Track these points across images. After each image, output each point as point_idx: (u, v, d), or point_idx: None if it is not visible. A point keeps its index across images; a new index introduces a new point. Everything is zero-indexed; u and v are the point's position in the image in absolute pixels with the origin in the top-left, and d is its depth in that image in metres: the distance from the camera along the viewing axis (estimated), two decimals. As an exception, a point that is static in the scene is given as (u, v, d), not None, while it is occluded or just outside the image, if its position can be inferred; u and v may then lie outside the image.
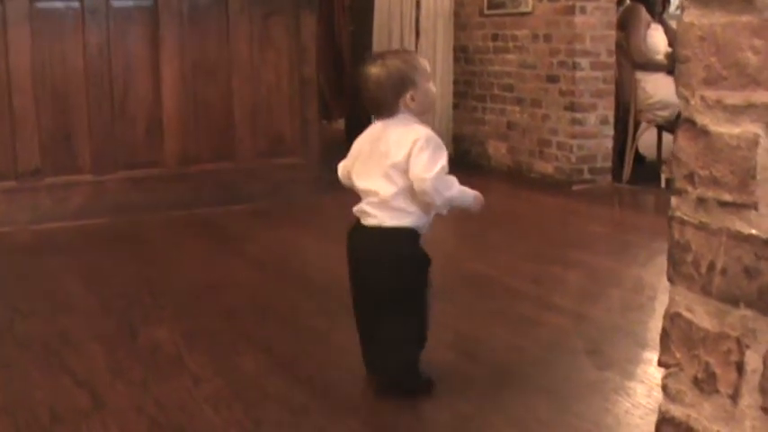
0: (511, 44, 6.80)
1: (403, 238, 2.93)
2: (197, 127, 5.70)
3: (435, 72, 7.50)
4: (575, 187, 6.25)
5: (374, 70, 2.90)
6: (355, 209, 2.99)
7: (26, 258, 4.74)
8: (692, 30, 1.45)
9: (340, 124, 9.01)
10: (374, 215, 2.92)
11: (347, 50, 8.85)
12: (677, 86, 1.49)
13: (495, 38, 6.95)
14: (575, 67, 6.32)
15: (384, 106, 2.89)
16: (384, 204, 2.90)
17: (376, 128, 2.94)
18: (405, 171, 2.84)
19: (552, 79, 6.48)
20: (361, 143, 2.99)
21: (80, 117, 5.52)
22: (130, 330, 3.66)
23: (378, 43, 8.40)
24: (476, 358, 3.34)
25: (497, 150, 6.94)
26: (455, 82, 7.45)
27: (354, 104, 8.60)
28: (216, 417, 2.87)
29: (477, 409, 2.90)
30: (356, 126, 8.53)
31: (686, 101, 1.47)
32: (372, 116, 2.96)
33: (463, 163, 6.18)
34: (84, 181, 5.54)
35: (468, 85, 7.17)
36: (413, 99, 2.88)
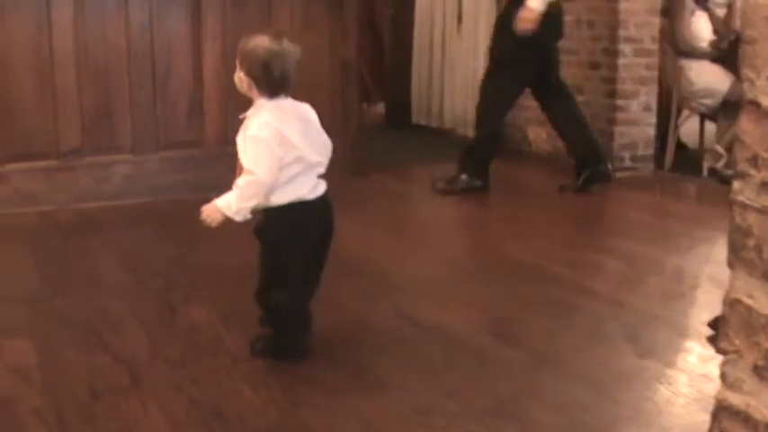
0: (553, 30, 6.75)
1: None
2: (237, 108, 5.63)
3: (477, 56, 7.48)
4: (616, 174, 6.21)
5: (293, 49, 3.02)
6: (311, 185, 3.06)
7: (66, 237, 4.76)
8: (759, 10, 1.42)
9: (378, 108, 8.99)
10: (322, 184, 3.10)
11: (387, 34, 8.83)
12: (742, 68, 1.45)
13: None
14: (617, 53, 6.26)
15: (292, 82, 3.04)
16: (322, 172, 3.10)
17: (291, 105, 3.07)
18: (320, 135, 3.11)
19: (594, 66, 6.43)
20: (290, 122, 3.01)
21: (121, 97, 5.53)
22: (169, 310, 3.67)
23: (419, 27, 8.38)
24: (514, 343, 3.32)
25: (538, 136, 6.89)
26: (496, 67, 7.39)
27: (395, 88, 8.59)
28: (254, 396, 2.88)
29: (516, 393, 2.89)
30: (397, 110, 8.55)
31: (751, 82, 1.44)
32: (277, 92, 3.02)
33: (503, 148, 6.14)
34: (125, 160, 5.56)
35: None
36: None
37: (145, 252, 4.54)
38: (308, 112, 3.11)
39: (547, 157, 6.72)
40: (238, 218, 2.99)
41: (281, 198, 3.01)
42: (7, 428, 2.73)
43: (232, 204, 2.97)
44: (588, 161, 5.72)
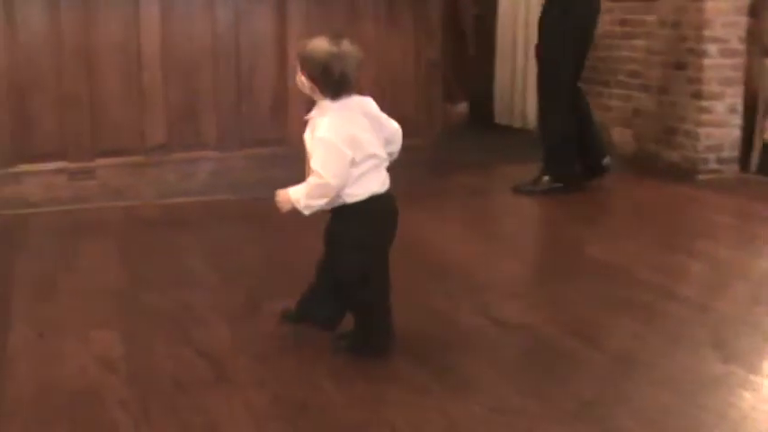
0: (638, 30, 6.68)
1: None
2: (321, 106, 5.72)
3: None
4: (701, 176, 6.12)
5: (352, 50, 3.04)
6: (381, 179, 3.09)
7: (152, 232, 4.83)
8: None
9: (461, 107, 8.97)
10: (387, 177, 3.13)
11: (470, 34, 8.81)
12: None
13: (623, 23, 6.83)
14: (703, 54, 6.18)
15: (354, 83, 3.06)
16: (386, 165, 3.14)
17: (357, 102, 3.08)
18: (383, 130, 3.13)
19: (680, 66, 6.35)
20: (358, 121, 3.04)
21: (206, 94, 5.60)
22: (253, 305, 3.70)
23: (502, 27, 8.35)
24: (598, 345, 3.30)
25: (622, 137, 6.83)
26: (580, 67, 7.34)
27: (478, 88, 8.57)
28: (337, 393, 2.89)
29: (599, 396, 2.87)
30: (480, 109, 8.52)
31: None
32: (339, 93, 3.03)
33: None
34: (210, 157, 5.62)
35: (595, 71, 7.05)
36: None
37: (229, 248, 4.59)
38: (371, 106, 3.13)
39: (632, 158, 6.65)
40: (306, 212, 3.05)
41: (354, 195, 3.04)
42: (93, 418, 2.77)
43: (301, 199, 3.03)
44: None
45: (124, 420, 2.74)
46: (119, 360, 3.19)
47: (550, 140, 5.78)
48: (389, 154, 3.14)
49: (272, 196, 3.12)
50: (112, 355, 3.23)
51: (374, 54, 5.80)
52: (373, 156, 3.03)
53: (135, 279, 4.09)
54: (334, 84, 3.01)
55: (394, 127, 3.16)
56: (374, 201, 3.06)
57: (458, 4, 8.75)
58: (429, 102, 5.98)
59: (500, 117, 8.36)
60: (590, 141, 5.85)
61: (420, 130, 5.92)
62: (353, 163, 2.99)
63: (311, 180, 3.00)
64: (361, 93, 5.75)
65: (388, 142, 3.13)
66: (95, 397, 2.90)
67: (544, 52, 5.74)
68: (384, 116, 3.14)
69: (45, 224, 5.12)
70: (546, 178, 5.66)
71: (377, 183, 3.06)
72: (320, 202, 3.02)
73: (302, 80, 3.07)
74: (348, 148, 2.97)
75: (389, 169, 3.14)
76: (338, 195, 3.02)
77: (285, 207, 3.08)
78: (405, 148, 5.58)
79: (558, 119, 5.73)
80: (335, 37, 3.04)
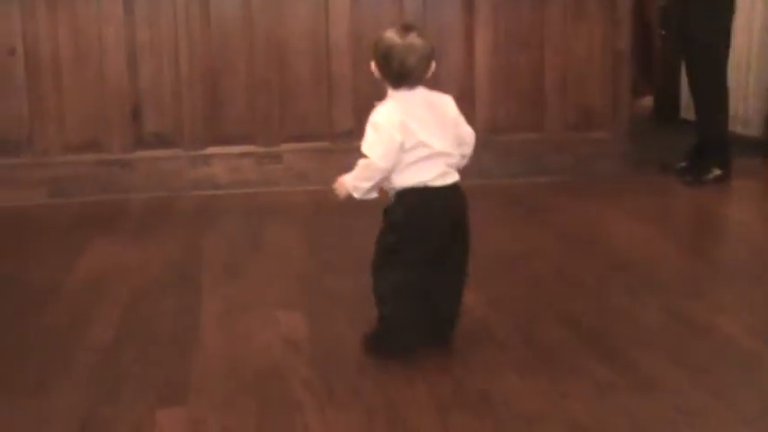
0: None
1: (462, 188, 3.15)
2: (507, 96, 5.71)
3: (751, 51, 7.20)
4: None
5: (417, 41, 3.03)
6: (437, 172, 3.03)
7: (336, 216, 4.88)
8: None
9: (646, 101, 8.79)
10: (452, 173, 3.08)
11: (656, 27, 8.64)
12: None
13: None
14: None
15: (416, 76, 3.04)
16: (456, 164, 3.11)
17: (421, 94, 3.08)
18: (455, 128, 3.12)
19: None
20: (413, 110, 3.03)
21: (394, 82, 5.64)
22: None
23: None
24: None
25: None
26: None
27: (664, 81, 8.40)
28: (521, 384, 2.87)
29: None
30: (665, 103, 8.34)
31: None
32: (399, 83, 3.05)
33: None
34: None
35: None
36: (432, 69, 3.10)
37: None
38: (439, 102, 3.12)
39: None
40: (356, 195, 3.11)
41: (402, 181, 3.04)
42: (279, 395, 2.84)
43: (350, 181, 3.09)
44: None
45: (309, 400, 2.79)
46: (303, 341, 3.26)
47: (714, 129, 5.71)
48: (462, 156, 3.14)
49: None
50: (297, 336, 3.30)
51: (560, 43, 5.76)
52: (424, 144, 3.00)
53: (319, 262, 4.16)
54: (395, 73, 3.02)
55: (468, 130, 3.18)
56: (423, 191, 3.03)
57: (644, -5, 8.58)
58: (616, 94, 5.87)
59: (686, 112, 8.16)
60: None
61: (605, 122, 5.84)
62: (403, 148, 2.99)
63: (360, 162, 3.05)
64: (544, 82, 5.76)
65: (460, 143, 3.12)
66: (281, 376, 2.97)
67: (703, 40, 5.61)
68: (461, 116, 3.15)
69: (232, 206, 5.25)
70: (716, 171, 5.57)
71: (430, 173, 3.02)
72: (367, 185, 3.06)
73: (372, 67, 3.10)
74: (398, 132, 2.97)
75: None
76: (388, 180, 3.05)
77: (341, 193, 3.15)
78: (590, 140, 5.57)
79: (720, 106, 5.68)
80: (404, 28, 3.06)
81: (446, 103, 3.13)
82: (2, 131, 5.40)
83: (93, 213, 5.15)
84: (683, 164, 5.73)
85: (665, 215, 5.14)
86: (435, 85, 5.50)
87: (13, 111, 5.39)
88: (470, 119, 5.45)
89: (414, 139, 2.99)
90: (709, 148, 5.64)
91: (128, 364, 3.09)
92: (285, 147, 5.58)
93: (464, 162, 3.17)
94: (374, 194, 3.11)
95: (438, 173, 3.03)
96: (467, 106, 5.56)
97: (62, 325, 3.47)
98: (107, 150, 5.50)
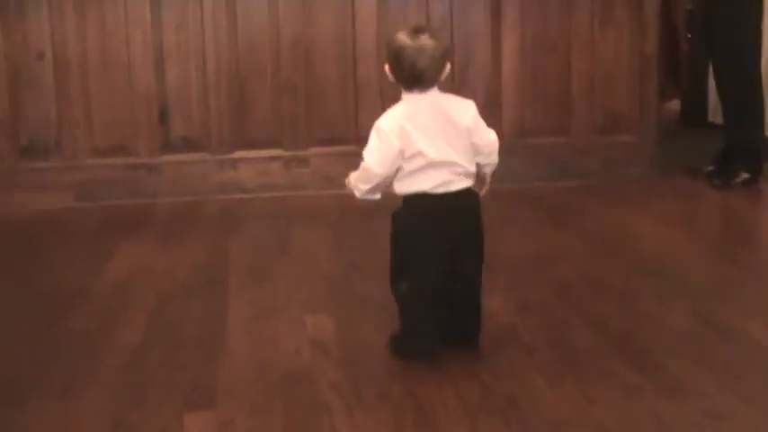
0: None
1: (475, 193, 3.10)
2: (534, 100, 5.71)
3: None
4: None
5: (428, 42, 2.98)
6: (438, 181, 3.01)
7: (364, 220, 4.88)
8: None
9: (673, 105, 8.76)
10: (458, 181, 3.03)
11: (683, 30, 8.61)
12: None
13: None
14: None
15: (428, 78, 2.99)
16: (467, 173, 3.04)
17: (432, 99, 3.02)
18: (470, 137, 3.04)
19: None
20: (418, 117, 2.99)
21: (420, 86, 5.64)
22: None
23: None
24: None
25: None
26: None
27: (691, 85, 8.36)
28: (547, 388, 2.87)
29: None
30: (692, 107, 8.30)
31: None
32: (410, 86, 3.01)
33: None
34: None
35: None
36: (447, 71, 3.04)
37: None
38: (454, 108, 3.06)
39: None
40: (357, 195, 3.12)
41: (402, 189, 3.05)
42: (307, 398, 2.84)
43: (353, 181, 3.11)
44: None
45: (337, 403, 2.79)
46: (332, 344, 3.26)
47: (741, 133, 5.65)
48: (481, 165, 3.12)
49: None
50: (326, 339, 3.30)
51: (587, 47, 5.75)
52: (422, 154, 2.97)
53: (347, 265, 4.16)
54: (406, 75, 2.99)
55: (487, 138, 3.12)
56: (425, 196, 3.02)
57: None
58: (643, 98, 5.86)
59: (713, 116, 8.12)
60: None
61: (633, 126, 5.83)
62: (403, 156, 2.98)
63: (361, 164, 3.05)
64: (571, 86, 5.74)
65: (476, 152, 3.08)
66: (309, 379, 2.97)
67: (730, 42, 5.56)
68: (480, 124, 3.09)
69: (259, 210, 5.27)
70: (744, 175, 5.53)
71: (431, 182, 3.01)
72: (365, 187, 3.07)
73: (386, 68, 3.08)
74: (397, 138, 2.96)
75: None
76: (388, 185, 3.07)
77: (350, 190, 3.16)
78: (617, 144, 5.57)
79: (748, 109, 5.64)
80: (416, 30, 3.03)
81: (463, 110, 3.07)
82: (30, 135, 5.45)
83: (120, 217, 5.18)
84: (711, 167, 5.70)
85: (693, 219, 5.12)
86: (461, 87, 5.57)
87: (41, 114, 5.43)
88: (497, 122, 5.55)
89: (413, 147, 2.97)
90: (736, 151, 5.61)
91: (155, 367, 3.10)
92: (312, 150, 5.60)
93: (488, 169, 3.16)
94: (377, 196, 3.12)
95: (440, 182, 3.02)
96: (494, 109, 5.61)
97: (90, 328, 3.49)
98: (134, 154, 5.53)
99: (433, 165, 3.00)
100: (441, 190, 3.02)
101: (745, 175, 5.54)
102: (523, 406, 2.75)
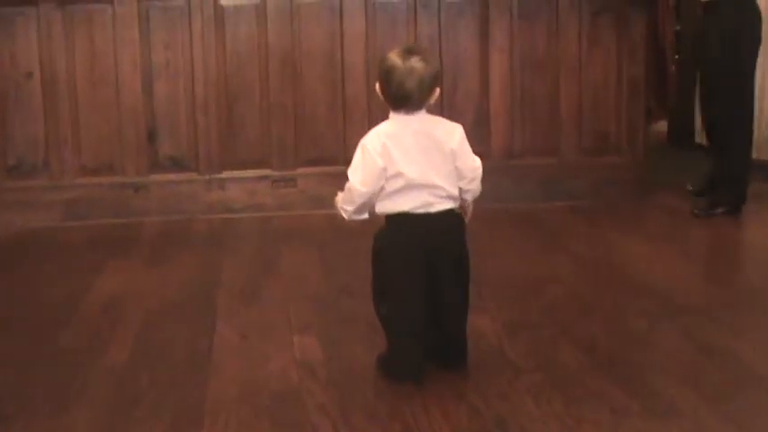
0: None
1: (457, 213, 3.11)
2: (523, 121, 5.72)
3: (765, 74, 7.18)
4: None
5: (419, 65, 2.98)
6: (418, 202, 3.02)
7: (352, 240, 4.86)
8: None
9: (660, 126, 8.79)
10: (439, 203, 3.04)
11: (670, 51, 8.64)
12: None
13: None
14: None
15: (415, 100, 2.99)
16: (449, 196, 3.06)
17: (418, 120, 3.03)
18: (454, 160, 3.04)
19: None
20: (402, 138, 3.01)
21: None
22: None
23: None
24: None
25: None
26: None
27: (679, 106, 8.39)
28: (536, 409, 2.86)
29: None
30: (680, 129, 8.32)
31: None
32: (397, 106, 3.02)
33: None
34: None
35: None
36: (436, 95, 3.04)
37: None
38: (439, 132, 3.07)
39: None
40: (344, 216, 3.13)
41: (384, 209, 3.07)
42: (294, 421, 2.83)
43: (339, 203, 3.14)
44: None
45: (324, 424, 2.79)
46: (319, 365, 3.25)
47: (736, 165, 5.49)
48: (463, 191, 3.11)
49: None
50: (313, 360, 3.29)
51: (576, 70, 5.77)
52: (401, 175, 2.99)
53: (334, 285, 4.16)
54: (392, 95, 3.01)
55: (471, 164, 3.11)
56: (406, 217, 3.03)
57: (658, 20, 8.58)
58: (631, 119, 5.87)
59: (701, 137, 8.14)
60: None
61: (621, 147, 5.84)
62: (386, 175, 2.99)
63: (346, 185, 3.07)
64: (560, 108, 5.75)
65: (460, 176, 3.08)
66: (296, 400, 2.97)
67: (730, 63, 5.38)
68: (466, 149, 3.08)
69: (248, 230, 5.26)
70: (723, 207, 5.45)
71: (411, 203, 3.02)
72: (350, 207, 3.09)
73: (377, 87, 3.09)
74: (380, 157, 2.98)
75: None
76: (372, 205, 3.07)
77: (338, 211, 3.17)
78: (605, 165, 5.58)
79: (745, 139, 5.53)
80: (407, 51, 3.04)
81: (450, 133, 3.07)
82: (19, 154, 5.44)
83: (108, 236, 5.17)
84: (692, 188, 5.69)
85: (682, 240, 5.13)
86: (451, 109, 5.58)
87: (29, 134, 5.43)
88: (486, 143, 5.57)
89: (393, 168, 2.99)
90: (721, 180, 5.52)
91: (143, 387, 3.10)
92: (300, 171, 5.61)
93: (469, 196, 3.15)
94: (364, 216, 3.12)
95: (420, 203, 3.03)
96: (482, 130, 5.62)
97: (78, 347, 3.48)
98: (122, 173, 5.52)
99: (413, 186, 3.01)
100: (421, 210, 3.03)
101: (724, 209, 5.40)
102: (511, 427, 2.75)
